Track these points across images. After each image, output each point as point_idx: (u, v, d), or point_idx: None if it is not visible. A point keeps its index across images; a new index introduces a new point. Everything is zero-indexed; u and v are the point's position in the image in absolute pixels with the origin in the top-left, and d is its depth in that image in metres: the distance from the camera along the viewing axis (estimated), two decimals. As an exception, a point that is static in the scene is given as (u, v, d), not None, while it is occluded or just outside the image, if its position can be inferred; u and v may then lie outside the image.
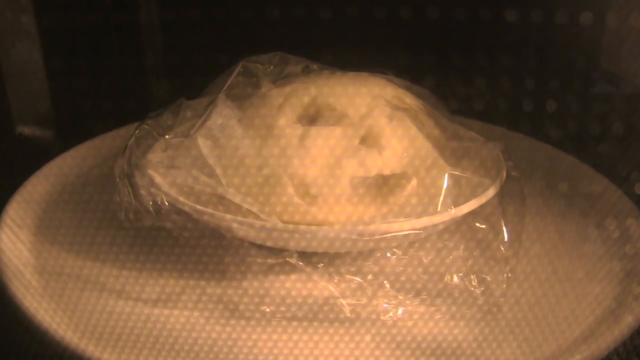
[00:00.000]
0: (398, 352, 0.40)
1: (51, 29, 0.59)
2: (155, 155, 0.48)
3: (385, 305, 0.43)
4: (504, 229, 0.45)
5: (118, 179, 0.46)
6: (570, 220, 0.50)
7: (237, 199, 0.44)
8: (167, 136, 0.49)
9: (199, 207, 0.44)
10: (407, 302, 0.43)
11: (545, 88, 0.50)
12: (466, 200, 0.45)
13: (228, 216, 0.44)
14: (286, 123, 0.47)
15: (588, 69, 0.56)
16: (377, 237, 0.43)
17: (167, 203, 0.45)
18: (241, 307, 0.43)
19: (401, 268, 0.45)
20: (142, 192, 0.45)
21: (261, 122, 0.47)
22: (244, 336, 0.41)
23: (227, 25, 0.59)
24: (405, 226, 0.43)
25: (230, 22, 0.58)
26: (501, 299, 0.43)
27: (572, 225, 0.50)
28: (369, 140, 0.47)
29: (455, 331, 0.41)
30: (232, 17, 0.57)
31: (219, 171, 0.45)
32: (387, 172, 0.46)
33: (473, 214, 0.45)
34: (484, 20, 0.50)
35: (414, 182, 0.46)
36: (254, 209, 0.44)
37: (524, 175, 0.48)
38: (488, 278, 0.44)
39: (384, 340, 0.41)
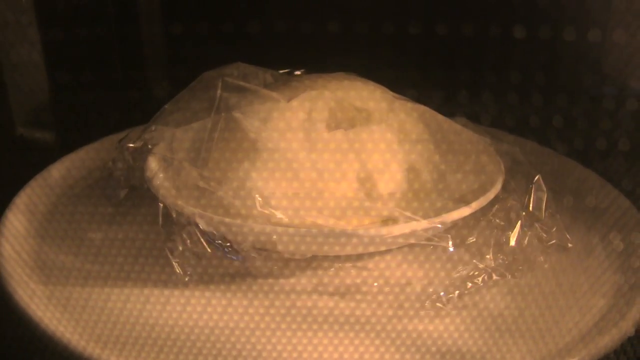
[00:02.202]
0: (397, 355, 0.41)
1: (54, 38, 0.59)
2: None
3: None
4: (543, 186, 0.47)
5: (166, 226, 0.45)
6: (575, 232, 0.51)
7: (315, 214, 0.45)
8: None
9: (300, 229, 0.44)
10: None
11: (551, 104, 0.50)
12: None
13: (341, 230, 0.44)
14: (324, 130, 0.47)
15: (593, 84, 0.56)
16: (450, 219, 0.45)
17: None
18: (246, 313, 0.43)
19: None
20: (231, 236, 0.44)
21: (299, 134, 0.47)
22: (248, 346, 0.41)
23: (231, 38, 0.59)
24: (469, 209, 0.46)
25: (234, 35, 0.58)
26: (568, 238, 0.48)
27: (577, 237, 0.50)
28: (401, 135, 0.48)
29: (460, 342, 0.42)
30: (236, 30, 0.57)
31: (289, 193, 0.45)
32: (434, 162, 0.49)
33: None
34: (492, 37, 0.51)
35: (468, 165, 0.49)
36: (329, 222, 0.44)
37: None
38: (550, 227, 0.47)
39: (384, 344, 0.41)
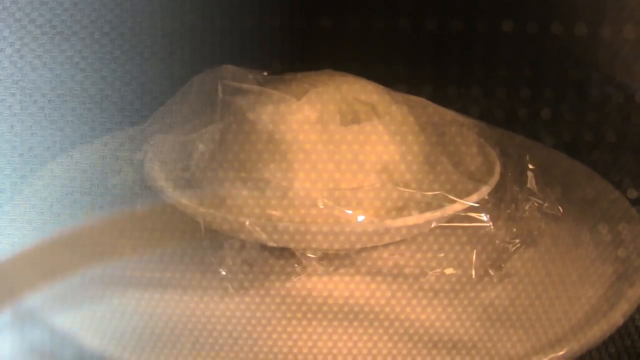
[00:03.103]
0: (391, 345, 0.41)
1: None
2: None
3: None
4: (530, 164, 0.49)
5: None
6: (564, 223, 0.51)
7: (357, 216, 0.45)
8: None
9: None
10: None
11: (539, 97, 0.51)
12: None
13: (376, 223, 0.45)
14: (341, 125, 0.47)
15: (581, 78, 0.57)
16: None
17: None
18: (243, 302, 0.44)
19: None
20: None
21: (322, 131, 0.47)
22: (239, 336, 0.41)
23: (231, 35, 0.59)
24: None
25: (235, 31, 0.59)
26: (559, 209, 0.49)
27: (566, 229, 0.51)
28: (405, 126, 0.49)
29: (451, 331, 0.42)
30: (236, 26, 0.57)
31: (324, 194, 0.45)
32: (444, 149, 0.50)
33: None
34: (480, 32, 0.51)
35: (473, 151, 0.51)
36: (353, 215, 0.45)
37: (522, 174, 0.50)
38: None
39: (377, 333, 0.42)
